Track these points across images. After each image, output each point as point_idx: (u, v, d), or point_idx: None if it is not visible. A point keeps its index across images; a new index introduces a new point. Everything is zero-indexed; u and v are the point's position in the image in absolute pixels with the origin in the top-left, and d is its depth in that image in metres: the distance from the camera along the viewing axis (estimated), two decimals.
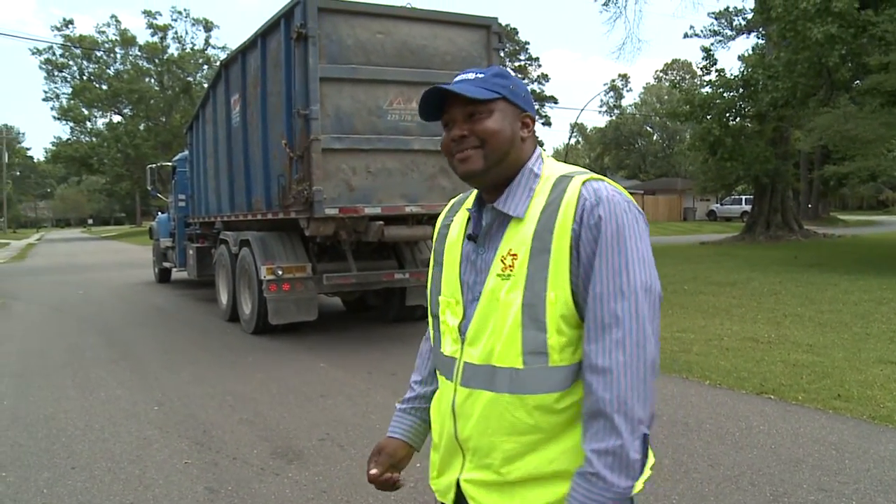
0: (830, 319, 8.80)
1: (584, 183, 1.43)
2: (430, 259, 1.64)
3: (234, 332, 9.12)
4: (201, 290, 13.59)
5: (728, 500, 3.70)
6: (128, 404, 5.74)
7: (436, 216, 8.44)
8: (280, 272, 8.18)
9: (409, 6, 8.11)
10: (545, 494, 1.44)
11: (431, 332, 1.70)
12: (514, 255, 1.43)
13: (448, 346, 1.55)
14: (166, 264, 15.36)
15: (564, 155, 57.56)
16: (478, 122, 1.47)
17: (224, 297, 10.18)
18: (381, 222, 7.86)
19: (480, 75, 1.50)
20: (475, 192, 1.60)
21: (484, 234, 1.52)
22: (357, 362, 7.28)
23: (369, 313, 10.57)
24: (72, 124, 54.64)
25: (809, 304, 10.09)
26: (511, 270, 1.43)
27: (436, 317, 1.64)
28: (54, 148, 56.27)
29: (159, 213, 16.81)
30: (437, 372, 1.64)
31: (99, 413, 5.49)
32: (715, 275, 13.80)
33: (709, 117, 23.28)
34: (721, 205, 46.67)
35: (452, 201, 1.73)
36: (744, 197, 40.95)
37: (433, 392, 1.73)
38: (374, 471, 1.69)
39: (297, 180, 7.40)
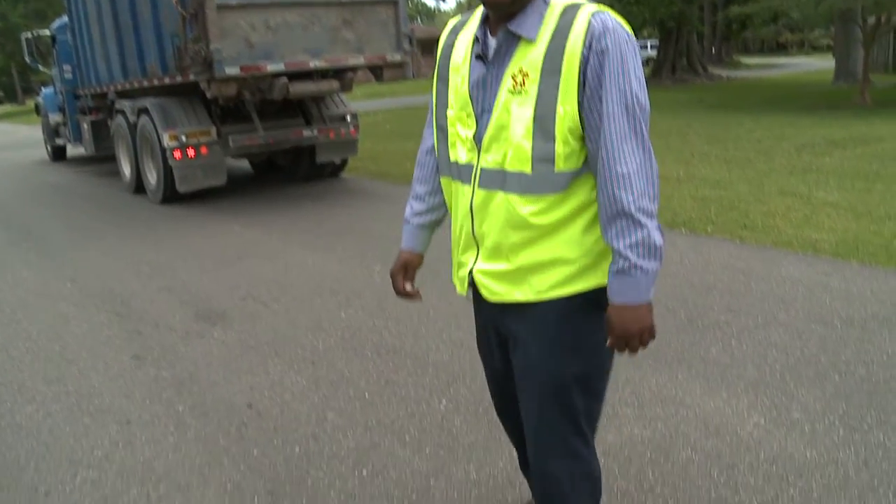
0: (736, 156, 9.15)
1: (592, 14, 1.57)
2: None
3: (141, 204, 8.81)
4: (102, 164, 12.94)
5: None
6: (37, 284, 5.55)
7: (341, 70, 8.24)
8: (184, 138, 7.86)
9: None
10: (546, 278, 1.69)
11: (437, 143, 1.86)
12: (526, 73, 1.59)
13: (463, 155, 1.73)
14: (59, 141, 14.45)
15: None
16: None
17: (127, 170, 9.75)
18: (286, 79, 7.55)
19: None
20: (476, 15, 1.74)
21: (494, 53, 1.64)
22: (271, 222, 7.19)
23: (279, 174, 10.34)
24: None
25: (715, 142, 10.42)
26: (522, 87, 1.59)
27: (443, 129, 1.80)
28: None
29: (42, 87, 15.64)
30: (449, 178, 1.82)
31: (7, 296, 5.30)
32: None
33: None
34: None
35: (452, 23, 1.85)
36: (649, 42, 40.99)
37: (441, 202, 1.96)
38: (409, 286, 1.96)
39: (193, 40, 6.96)
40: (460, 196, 1.78)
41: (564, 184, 1.63)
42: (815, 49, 59.37)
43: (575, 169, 1.62)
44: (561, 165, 1.60)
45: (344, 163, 9.65)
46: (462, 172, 1.75)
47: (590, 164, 1.62)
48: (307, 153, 9.16)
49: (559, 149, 1.59)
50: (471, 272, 1.80)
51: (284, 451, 2.95)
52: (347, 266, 5.51)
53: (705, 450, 2.80)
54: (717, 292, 4.42)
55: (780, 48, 61.91)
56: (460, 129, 1.73)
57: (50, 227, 7.89)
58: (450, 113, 1.76)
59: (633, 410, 3.12)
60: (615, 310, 1.62)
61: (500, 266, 1.72)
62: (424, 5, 64.46)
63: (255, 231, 6.86)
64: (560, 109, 1.56)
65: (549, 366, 1.75)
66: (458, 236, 1.84)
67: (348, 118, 8.95)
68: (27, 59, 15.06)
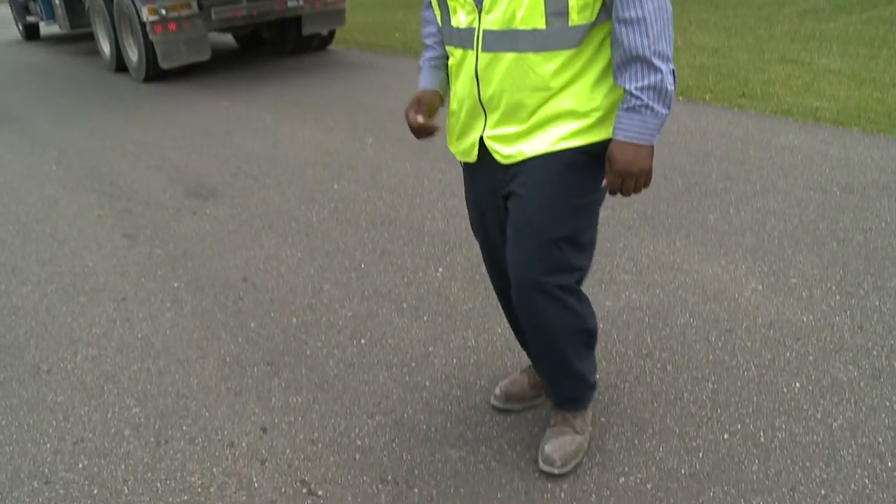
0: (735, 23, 8.80)
1: None
2: None
3: (124, 83, 8.52)
4: (79, 43, 12.46)
5: (644, 193, 3.80)
6: (21, 167, 5.43)
7: None
8: (164, 12, 7.50)
9: None
10: (556, 131, 1.68)
11: (437, 11, 1.82)
12: None
13: (463, 19, 1.68)
14: (31, 18, 13.79)
15: None
16: None
17: (106, 47, 9.36)
18: None
19: None
20: None
21: None
22: (259, 97, 6.99)
23: (265, 48, 9.98)
24: None
25: (714, 9, 10.00)
26: None
27: None
28: None
29: None
30: (451, 47, 1.77)
31: None
32: None
33: None
34: None
35: None
36: None
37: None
38: (420, 118, 1.87)
39: None
40: (463, 63, 1.74)
41: (579, 38, 1.60)
42: None
43: (588, 22, 1.58)
44: (575, 19, 1.56)
45: (331, 34, 9.30)
46: (463, 37, 1.70)
47: (605, 10, 1.59)
48: (293, 25, 8.80)
49: (572, 1, 1.54)
50: (481, 139, 1.79)
51: (282, 322, 2.95)
52: (339, 138, 5.38)
53: (703, 315, 2.81)
54: (715, 160, 4.33)
55: None
56: None
57: (30, 110, 7.66)
58: None
59: (632, 276, 3.11)
60: (619, 146, 1.62)
61: (513, 129, 1.72)
62: None
63: (244, 106, 6.67)
64: None
65: (544, 216, 1.75)
66: (459, 105, 1.81)
67: None
68: None
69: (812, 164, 4.20)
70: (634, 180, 1.65)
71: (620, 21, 1.54)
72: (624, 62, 1.57)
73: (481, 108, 1.75)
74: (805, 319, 2.73)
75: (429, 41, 1.99)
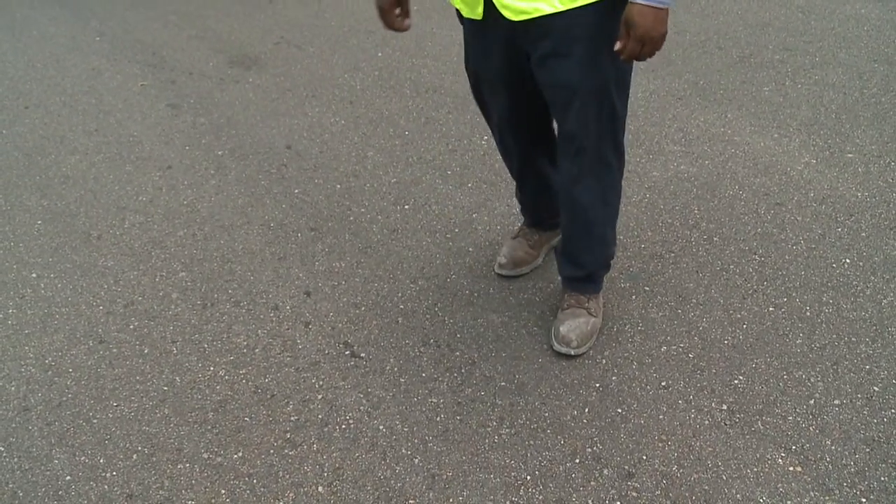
0: None
1: None
2: None
3: None
4: None
5: (695, 63, 3.65)
6: (66, 39, 5.38)
7: None
8: None
9: None
10: None
11: None
12: None
13: None
14: None
15: None
16: None
17: None
18: None
19: None
20: None
21: None
22: None
23: None
24: None
25: None
26: None
27: None
28: None
29: None
30: None
31: (37, 52, 5.16)
32: None
33: None
34: None
35: None
36: None
37: None
38: (407, 22, 1.77)
39: None
40: None
41: None
42: None
43: None
44: None
45: None
46: None
47: None
48: None
49: None
50: None
51: (325, 188, 2.92)
52: None
53: (753, 187, 2.68)
54: (773, 30, 4.03)
55: None
56: None
57: None
58: None
59: (680, 147, 2.97)
60: (640, 10, 1.51)
61: None
62: None
63: None
64: None
65: (590, 73, 1.66)
66: None
67: None
68: None
69: (880, 34, 3.88)
70: (652, 45, 1.56)
71: None
72: None
73: None
74: (859, 195, 2.59)
75: None
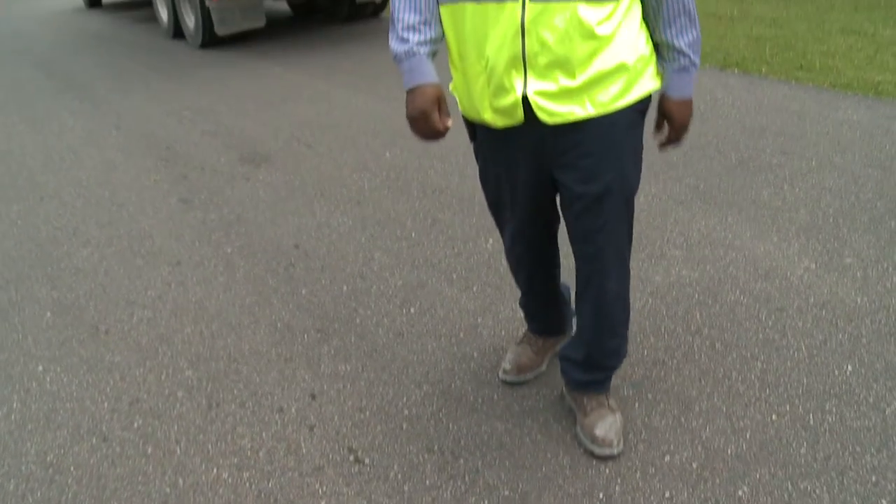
0: None
1: None
2: None
3: (181, 49, 8.63)
4: (138, 10, 12.65)
5: (695, 167, 3.77)
6: (83, 132, 5.55)
7: None
8: None
9: None
10: (608, 90, 1.67)
11: None
12: None
13: None
14: None
15: None
16: None
17: (164, 14, 9.48)
18: None
19: None
20: None
21: None
22: (313, 64, 7.00)
23: (319, 16, 9.99)
24: None
25: None
26: None
27: None
28: None
29: None
30: (471, 3, 1.62)
31: (55, 144, 5.32)
32: None
33: None
34: None
35: None
36: None
37: (437, 35, 1.75)
38: (450, 121, 1.76)
39: None
40: (495, 17, 1.60)
41: None
42: None
43: None
44: None
45: (384, 2, 9.24)
46: None
47: None
48: None
49: None
50: (524, 97, 1.67)
51: (332, 290, 2.97)
52: (391, 106, 5.35)
53: (754, 293, 2.74)
54: (770, 134, 4.19)
55: None
56: None
57: (92, 75, 7.81)
58: None
59: (682, 252, 3.04)
60: (678, 105, 1.78)
61: (563, 83, 1.64)
62: None
63: (297, 73, 6.69)
64: None
65: (619, 178, 1.78)
66: (492, 63, 1.66)
67: None
68: None
69: (872, 140, 4.04)
70: (687, 130, 1.81)
71: None
72: (672, 15, 1.68)
73: (521, 64, 1.63)
74: (859, 300, 2.64)
75: (411, 18, 1.72)
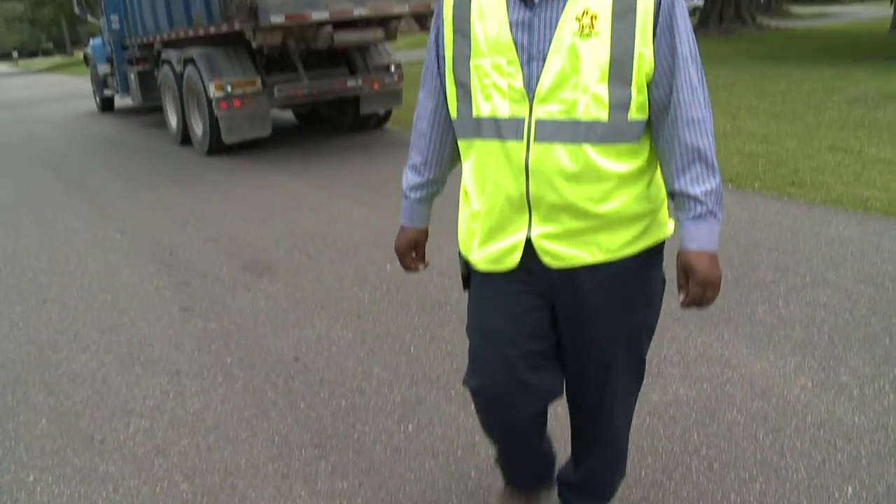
0: (784, 110, 8.84)
1: None
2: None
3: (187, 155, 8.89)
4: (149, 115, 13.09)
5: None
6: (89, 235, 5.66)
7: (386, 18, 8.10)
8: (229, 88, 7.87)
9: None
10: (617, 237, 1.62)
11: (454, 102, 1.67)
12: (594, 14, 1.49)
13: (504, 108, 1.56)
14: (108, 92, 14.61)
15: None
16: None
17: (173, 121, 9.83)
18: (330, 27, 7.49)
19: None
20: None
21: None
22: (316, 174, 7.20)
23: (324, 125, 10.34)
24: None
25: (764, 95, 10.07)
26: (592, 29, 1.49)
27: (464, 84, 1.62)
28: None
29: (91, 38, 15.78)
30: (475, 139, 1.63)
31: (61, 246, 5.41)
32: None
33: None
34: None
35: None
36: None
37: (438, 176, 1.84)
38: (422, 266, 1.94)
39: None
40: (499, 156, 1.59)
41: (637, 134, 1.57)
42: None
43: (643, 119, 1.56)
44: (634, 114, 1.53)
45: (388, 114, 9.59)
46: (503, 128, 1.57)
47: (654, 111, 1.56)
48: (351, 104, 9.12)
49: (634, 95, 1.51)
50: (528, 240, 1.63)
51: (331, 404, 2.98)
52: (392, 219, 5.46)
53: (751, 412, 2.76)
54: (765, 250, 4.30)
55: None
56: (497, 78, 1.56)
57: (101, 178, 8.02)
58: (481, 63, 1.58)
59: (679, 370, 3.07)
60: (696, 256, 1.57)
61: (569, 226, 1.59)
62: None
63: (301, 182, 6.88)
64: (638, 52, 1.49)
65: (626, 325, 1.72)
66: (492, 203, 1.64)
67: (392, 68, 8.86)
68: (76, 9, 15.14)
69: (863, 256, 4.14)
70: (714, 289, 1.59)
71: (682, 121, 1.53)
72: (686, 164, 1.55)
73: (526, 205, 1.60)
74: (857, 419, 2.66)
75: (416, 158, 1.83)
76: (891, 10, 22.01)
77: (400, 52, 9.43)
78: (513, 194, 1.60)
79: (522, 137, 1.55)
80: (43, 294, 4.42)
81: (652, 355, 3.24)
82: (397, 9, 7.74)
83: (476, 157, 1.66)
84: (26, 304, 4.28)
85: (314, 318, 3.78)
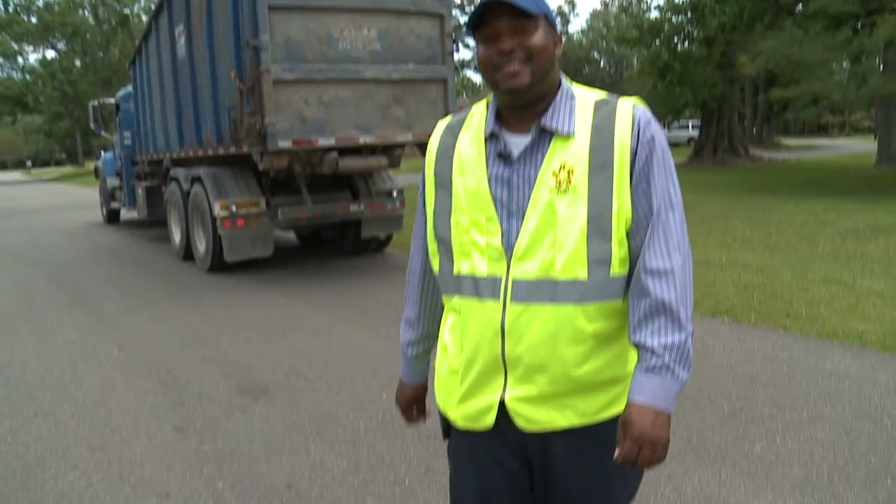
0: (778, 242, 9.05)
1: (634, 105, 1.52)
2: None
3: (189, 271, 9.00)
4: (153, 229, 13.32)
5: (689, 418, 3.84)
6: (86, 348, 5.66)
7: (390, 147, 8.41)
8: (234, 208, 8.06)
9: None
10: (595, 400, 1.55)
11: (436, 258, 1.65)
12: (570, 169, 1.48)
13: (483, 266, 1.53)
14: (114, 205, 14.97)
15: None
16: (526, 36, 1.48)
17: (177, 236, 10.01)
18: (336, 154, 7.75)
19: None
20: (476, 114, 1.62)
21: (523, 151, 1.52)
22: (316, 296, 7.27)
23: (325, 247, 10.51)
24: (0, 60, 51.92)
25: (757, 227, 10.34)
26: (569, 185, 1.47)
27: (444, 240, 1.60)
28: None
29: (103, 152, 16.31)
30: (457, 297, 1.60)
31: (57, 358, 5.41)
32: None
33: (658, 42, 23.23)
34: (669, 130, 46.90)
35: (447, 122, 1.68)
36: (690, 122, 41.14)
37: (433, 330, 1.81)
38: (422, 422, 1.92)
39: (249, 113, 7.21)
40: (477, 314, 1.55)
41: (620, 290, 1.51)
42: (857, 131, 58.93)
43: (625, 274, 1.51)
44: (616, 269, 1.49)
45: (388, 238, 9.78)
46: (481, 287, 1.53)
47: (632, 261, 1.51)
48: (353, 227, 9.32)
49: (615, 250, 1.47)
50: (501, 401, 1.56)
51: None
52: (389, 345, 5.51)
53: None
54: (761, 384, 4.32)
55: (822, 130, 61.59)
56: (476, 235, 1.53)
57: (101, 290, 8.08)
58: (461, 219, 1.56)
59: None
60: (638, 409, 1.43)
61: (544, 389, 1.52)
62: (470, 80, 65.73)
63: (300, 304, 6.94)
64: (615, 205, 1.46)
65: (605, 489, 1.61)
66: (469, 362, 1.59)
67: (394, 194, 9.11)
68: (92, 124, 15.75)
69: (860, 391, 4.14)
70: (653, 451, 1.43)
71: (647, 271, 1.46)
72: (648, 314, 1.46)
73: (502, 366, 1.54)
74: None
75: (410, 312, 1.82)
76: (875, 145, 22.87)
77: (401, 175, 9.72)
78: (489, 354, 1.54)
79: (499, 297, 1.51)
80: (35, 407, 4.38)
81: (648, 493, 3.22)
82: (402, 137, 8.03)
83: (455, 315, 1.63)
84: (17, 417, 4.24)
85: (309, 444, 3.74)
